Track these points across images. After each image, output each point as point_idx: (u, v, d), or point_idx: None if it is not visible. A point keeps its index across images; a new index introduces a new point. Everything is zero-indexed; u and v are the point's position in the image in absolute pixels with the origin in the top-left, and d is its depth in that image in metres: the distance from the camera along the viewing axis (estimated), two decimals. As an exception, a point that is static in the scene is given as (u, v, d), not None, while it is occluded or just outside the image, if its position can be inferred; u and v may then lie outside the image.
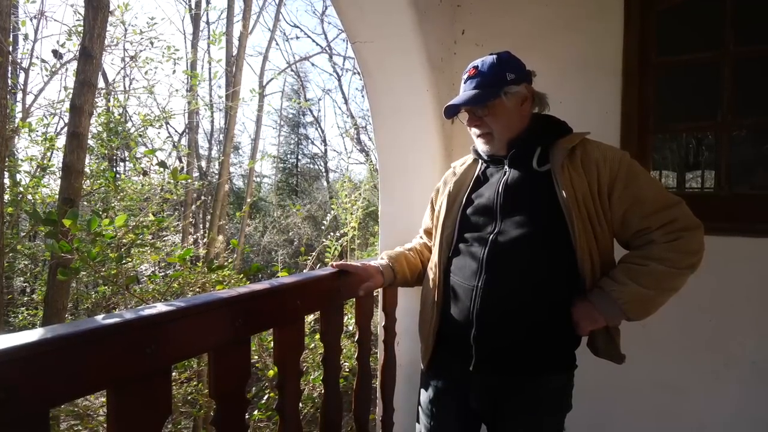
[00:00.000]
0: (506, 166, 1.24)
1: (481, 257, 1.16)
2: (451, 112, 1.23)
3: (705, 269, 1.10)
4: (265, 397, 2.78)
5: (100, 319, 0.80)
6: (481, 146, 1.28)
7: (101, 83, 7.65)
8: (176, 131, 11.01)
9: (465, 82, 1.24)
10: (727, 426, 1.60)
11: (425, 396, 1.34)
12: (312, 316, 3.41)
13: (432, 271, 1.32)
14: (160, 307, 0.88)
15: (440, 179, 1.87)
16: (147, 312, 0.85)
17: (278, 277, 1.18)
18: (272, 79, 12.50)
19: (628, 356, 1.70)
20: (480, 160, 1.34)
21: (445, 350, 1.27)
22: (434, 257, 1.32)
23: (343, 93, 18.58)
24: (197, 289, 3.80)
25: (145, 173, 5.11)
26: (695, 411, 1.64)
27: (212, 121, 12.40)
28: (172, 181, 4.90)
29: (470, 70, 1.23)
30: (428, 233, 1.52)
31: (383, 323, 1.92)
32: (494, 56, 1.22)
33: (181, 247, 4.38)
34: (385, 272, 1.38)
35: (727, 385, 1.61)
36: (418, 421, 1.37)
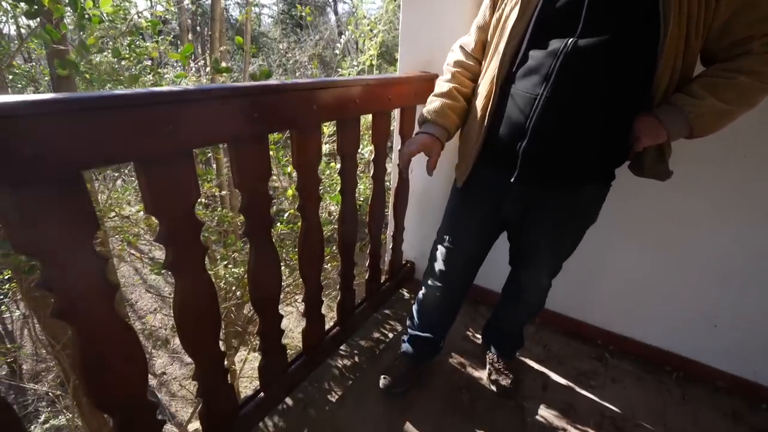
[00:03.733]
0: None
1: (551, 65, 1.04)
2: None
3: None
4: (286, 214, 2.97)
5: (115, 91, 0.76)
6: None
7: None
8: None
9: None
10: (723, 257, 1.68)
11: (454, 204, 1.38)
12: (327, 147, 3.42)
13: (486, 82, 1.19)
14: (173, 88, 0.84)
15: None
16: (160, 89, 0.81)
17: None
18: None
19: (639, 187, 1.71)
20: None
21: (486, 163, 1.24)
22: (492, 67, 1.18)
23: None
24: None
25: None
26: (699, 242, 1.71)
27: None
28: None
29: None
30: (482, 29, 1.26)
31: (399, 147, 1.91)
32: None
33: (185, 75, 4.13)
34: (440, 136, 1.25)
35: (738, 218, 1.60)
36: (441, 227, 1.44)
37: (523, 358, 1.86)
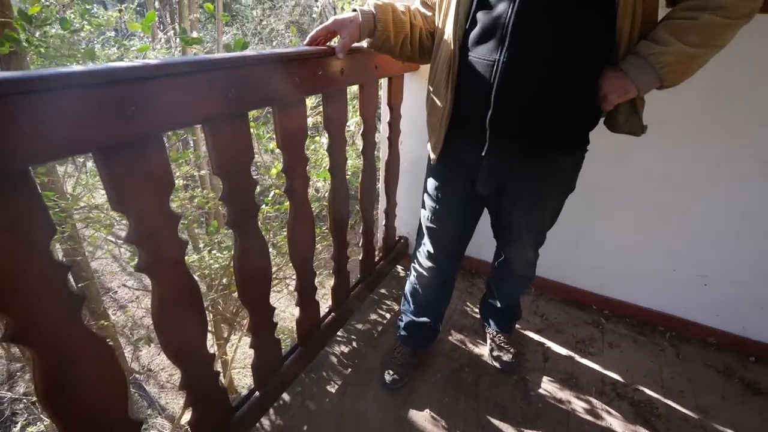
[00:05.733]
0: None
1: (504, 27, 0.96)
2: None
3: (729, 48, 0.91)
4: (271, 194, 2.81)
5: (60, 68, 0.63)
6: None
7: None
8: None
9: None
10: (710, 216, 1.66)
11: (432, 182, 1.30)
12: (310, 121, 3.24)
13: (444, 49, 1.10)
14: (132, 63, 0.71)
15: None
16: (117, 65, 0.68)
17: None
18: None
19: (633, 150, 1.65)
20: None
21: (456, 137, 1.17)
22: (447, 31, 1.09)
23: None
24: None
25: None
26: (686, 203, 1.69)
27: None
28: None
29: None
30: (426, 5, 1.22)
31: (388, 119, 1.80)
32: None
33: (151, 47, 3.80)
34: (363, 19, 1.08)
35: (725, 177, 1.59)
36: (423, 207, 1.37)
37: (522, 331, 1.84)
